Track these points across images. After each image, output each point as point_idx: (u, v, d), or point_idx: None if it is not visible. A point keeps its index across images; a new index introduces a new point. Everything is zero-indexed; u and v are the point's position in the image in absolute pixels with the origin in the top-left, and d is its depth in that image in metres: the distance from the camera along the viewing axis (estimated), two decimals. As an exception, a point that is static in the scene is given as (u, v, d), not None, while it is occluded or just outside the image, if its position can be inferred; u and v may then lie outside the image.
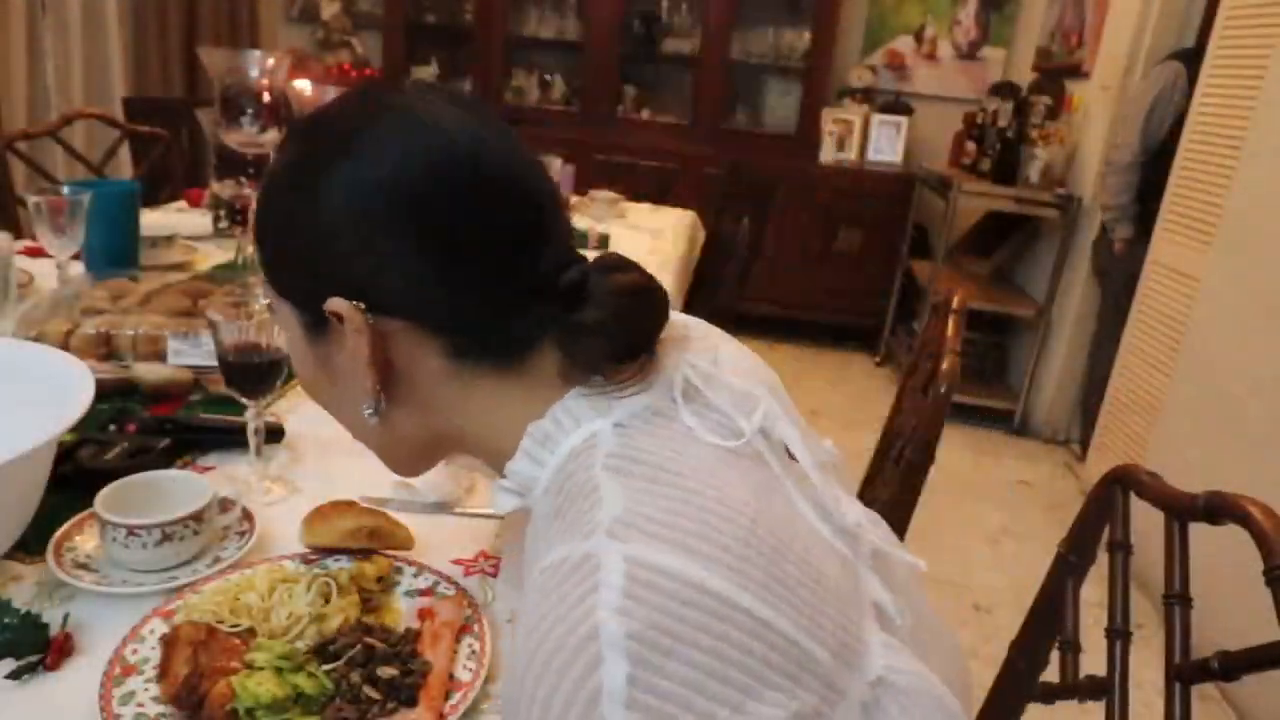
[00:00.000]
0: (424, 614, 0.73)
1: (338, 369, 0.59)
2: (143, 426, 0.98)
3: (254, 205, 0.60)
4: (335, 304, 0.55)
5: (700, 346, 0.62)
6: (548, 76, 4.39)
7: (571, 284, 0.55)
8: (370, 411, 0.58)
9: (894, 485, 1.06)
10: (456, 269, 0.54)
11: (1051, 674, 0.95)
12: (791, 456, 0.57)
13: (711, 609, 0.43)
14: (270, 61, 1.33)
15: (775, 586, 0.46)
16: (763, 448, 0.55)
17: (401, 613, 0.75)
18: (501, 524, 0.89)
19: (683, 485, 0.48)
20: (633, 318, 0.55)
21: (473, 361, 0.56)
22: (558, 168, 2.42)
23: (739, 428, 0.54)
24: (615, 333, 0.54)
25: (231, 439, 0.99)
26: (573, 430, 0.53)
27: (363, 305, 0.54)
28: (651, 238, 2.42)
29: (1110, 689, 0.86)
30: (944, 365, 1.07)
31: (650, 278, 0.57)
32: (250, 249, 1.56)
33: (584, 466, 0.51)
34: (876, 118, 4.12)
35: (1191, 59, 2.79)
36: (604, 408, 0.54)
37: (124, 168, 2.89)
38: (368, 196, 0.53)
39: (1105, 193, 3.02)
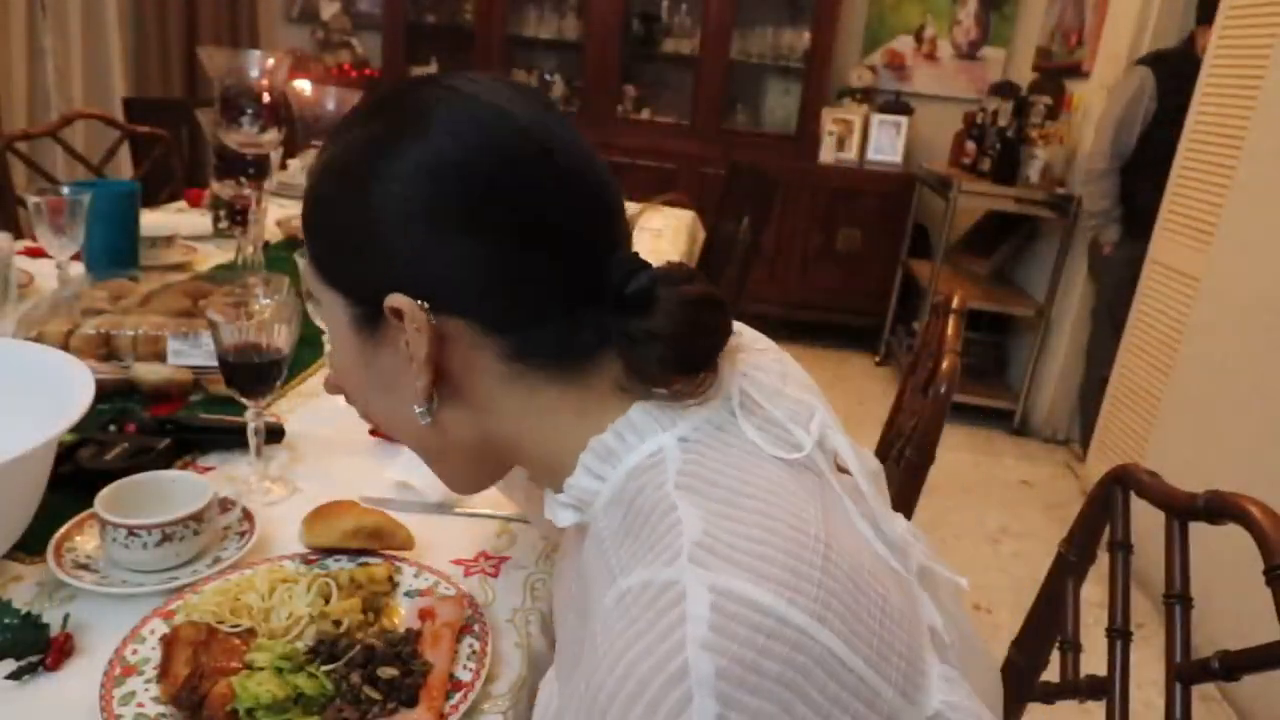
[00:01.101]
0: (424, 614, 0.72)
1: (386, 366, 0.56)
2: (143, 427, 0.98)
3: (307, 191, 0.58)
4: (396, 300, 0.52)
5: (752, 355, 0.60)
6: (548, 76, 4.39)
7: (640, 291, 0.52)
8: (422, 411, 0.56)
9: (894, 485, 1.06)
10: (525, 265, 0.52)
11: (1052, 674, 0.95)
12: (841, 469, 0.56)
13: (794, 644, 0.42)
14: (270, 61, 1.33)
15: (851, 620, 0.45)
16: (820, 460, 0.54)
17: (402, 613, 0.75)
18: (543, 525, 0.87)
19: (757, 509, 0.47)
20: (699, 330, 0.53)
21: (531, 366, 0.54)
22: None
23: (798, 440, 0.53)
24: (681, 344, 0.52)
25: (231, 439, 0.99)
26: (636, 445, 0.52)
27: (424, 303, 0.52)
28: (652, 237, 2.42)
29: (1110, 689, 0.86)
30: (944, 365, 1.07)
31: (715, 291, 0.54)
32: (250, 249, 1.56)
33: (654, 484, 0.49)
34: (876, 118, 4.12)
35: (1157, 63, 2.83)
36: (666, 421, 0.52)
37: (124, 168, 2.89)
38: (436, 182, 0.51)
39: (1087, 200, 3.04)
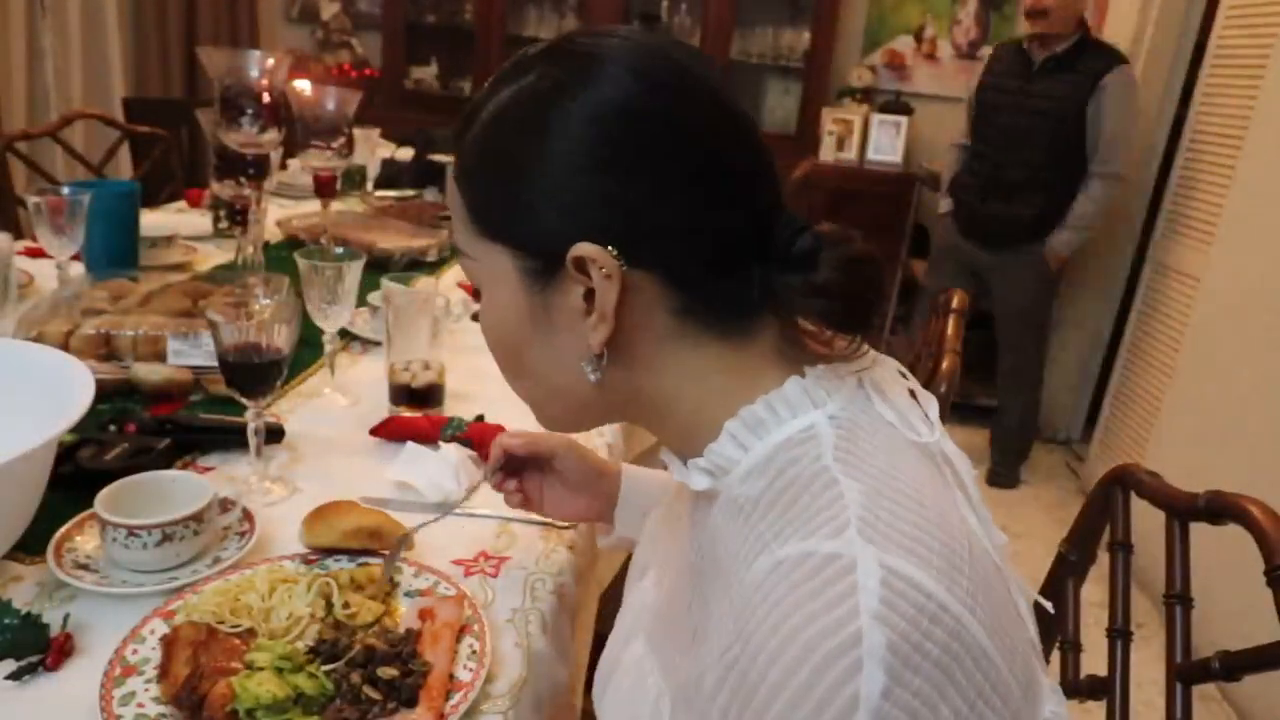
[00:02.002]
0: (424, 614, 0.72)
1: (559, 321, 0.54)
2: (143, 427, 0.98)
3: (467, 145, 0.56)
4: (584, 249, 0.50)
5: (881, 362, 0.60)
6: (548, 76, 4.39)
7: (807, 248, 0.52)
8: (592, 368, 0.54)
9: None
10: (708, 210, 0.51)
11: (1052, 674, 0.95)
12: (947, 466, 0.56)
13: (950, 632, 0.42)
14: (270, 61, 1.33)
15: (992, 615, 0.45)
16: (936, 451, 0.54)
17: (402, 613, 0.75)
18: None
19: (909, 494, 0.47)
20: (862, 287, 0.53)
21: (699, 323, 0.53)
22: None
23: (919, 427, 0.54)
24: (844, 300, 0.52)
25: (231, 439, 0.99)
26: (788, 420, 0.52)
27: (615, 250, 0.50)
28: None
29: (1110, 689, 0.86)
30: (944, 365, 1.07)
31: (875, 251, 0.54)
32: (250, 249, 1.56)
33: (809, 456, 0.49)
34: (876, 117, 4.11)
35: (999, 48, 2.95)
36: (819, 398, 0.52)
37: (124, 168, 2.89)
38: (617, 123, 0.50)
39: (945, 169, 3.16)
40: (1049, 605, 0.60)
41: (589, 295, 0.52)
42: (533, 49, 0.55)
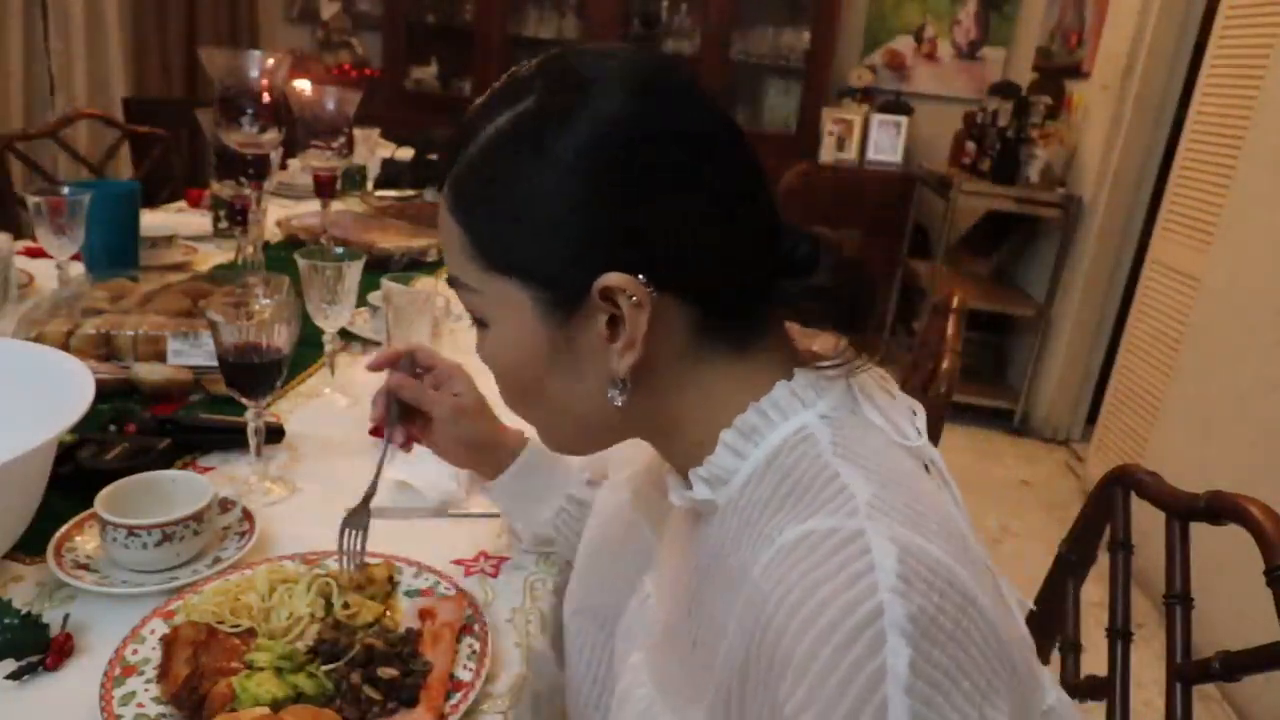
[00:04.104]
0: (424, 614, 0.72)
1: (582, 350, 0.53)
2: (143, 427, 0.98)
3: (455, 170, 0.53)
4: (612, 279, 0.49)
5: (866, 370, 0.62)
6: (548, 76, 4.39)
7: (806, 253, 0.54)
8: (619, 394, 0.53)
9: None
10: (723, 226, 0.51)
11: (1052, 674, 0.95)
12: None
13: (962, 604, 0.43)
14: (270, 61, 1.33)
15: (992, 595, 0.46)
16: (924, 456, 0.55)
17: (402, 613, 0.75)
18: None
19: (906, 485, 0.48)
20: (858, 286, 0.55)
21: (714, 337, 0.53)
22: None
23: (907, 431, 0.54)
24: (843, 299, 0.54)
25: (231, 439, 0.99)
26: (780, 423, 0.52)
27: (642, 277, 0.49)
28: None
29: (1110, 689, 0.86)
30: (944, 365, 1.07)
31: (861, 259, 0.56)
32: (250, 249, 1.56)
33: (808, 456, 0.50)
34: (876, 118, 4.11)
35: None
36: (809, 399, 0.53)
37: (124, 168, 2.89)
38: (623, 146, 0.49)
39: None
40: (1031, 605, 0.60)
41: (612, 322, 0.51)
42: (525, 68, 0.53)
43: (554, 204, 0.49)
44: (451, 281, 0.56)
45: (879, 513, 0.45)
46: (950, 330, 1.14)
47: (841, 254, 0.55)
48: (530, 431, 0.68)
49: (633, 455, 0.72)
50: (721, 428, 0.53)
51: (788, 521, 0.47)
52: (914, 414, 0.57)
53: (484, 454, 0.85)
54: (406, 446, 0.83)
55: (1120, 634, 0.87)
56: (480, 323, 0.57)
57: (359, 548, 0.77)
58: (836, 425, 0.51)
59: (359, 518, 0.78)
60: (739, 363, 0.54)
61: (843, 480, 0.47)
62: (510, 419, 0.70)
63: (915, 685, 0.40)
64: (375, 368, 0.84)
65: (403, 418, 0.81)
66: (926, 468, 0.55)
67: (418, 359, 0.84)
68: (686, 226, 0.50)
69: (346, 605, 0.72)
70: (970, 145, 3.73)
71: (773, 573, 0.45)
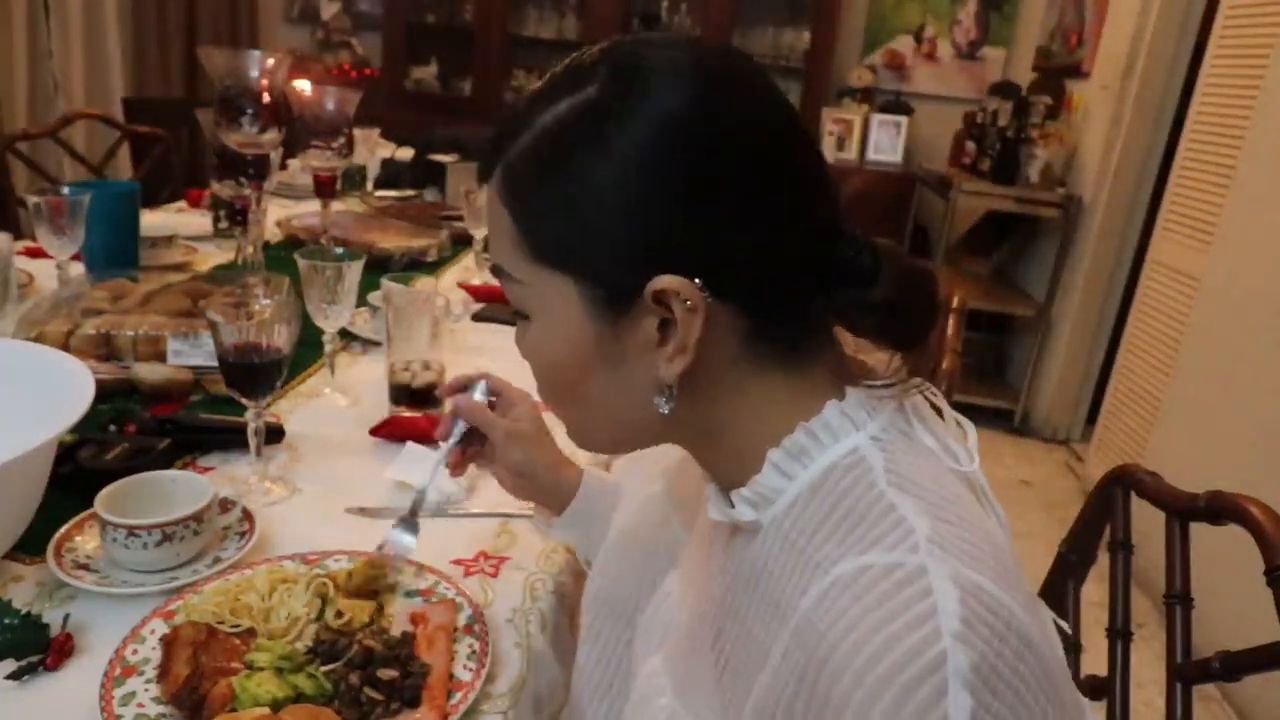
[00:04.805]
0: (416, 619, 0.72)
1: (627, 353, 0.51)
2: (143, 427, 0.98)
3: (505, 154, 0.52)
4: (667, 281, 0.47)
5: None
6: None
7: (867, 263, 0.51)
8: (665, 400, 0.51)
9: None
10: (783, 231, 0.49)
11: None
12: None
13: (1021, 642, 0.42)
14: (270, 61, 1.33)
15: (1048, 633, 0.45)
16: (976, 482, 0.53)
17: (394, 616, 0.74)
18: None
19: (962, 516, 0.46)
20: (919, 301, 0.52)
21: (767, 348, 0.51)
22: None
23: (959, 455, 0.53)
24: (902, 314, 0.51)
25: (231, 439, 0.99)
26: (830, 445, 0.50)
27: (699, 281, 0.48)
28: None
29: (1110, 689, 0.86)
30: (944, 365, 1.07)
31: (930, 267, 0.53)
32: (250, 249, 1.56)
33: (862, 483, 0.48)
34: (876, 117, 4.11)
35: None
36: (860, 420, 0.51)
37: (124, 168, 2.89)
38: (687, 143, 0.47)
39: None
40: (1067, 627, 0.60)
41: (663, 325, 0.49)
42: (588, 55, 0.51)
43: (611, 200, 0.48)
44: (495, 270, 0.55)
45: (939, 549, 0.43)
46: (950, 330, 1.14)
47: (904, 264, 0.52)
48: (584, 457, 0.66)
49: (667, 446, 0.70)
50: (767, 445, 0.51)
51: (843, 553, 0.45)
52: (965, 434, 0.55)
53: (541, 485, 0.84)
54: (456, 469, 0.83)
55: (1120, 634, 0.87)
56: (522, 315, 0.55)
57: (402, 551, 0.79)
58: (889, 449, 0.50)
59: (409, 526, 0.79)
60: (789, 375, 0.52)
61: (900, 513, 0.45)
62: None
63: None
64: (448, 392, 0.86)
65: (466, 441, 0.82)
66: (980, 495, 0.54)
67: (490, 384, 0.85)
68: (746, 231, 0.48)
69: (340, 614, 0.72)
70: (970, 145, 3.73)
71: (829, 607, 0.43)
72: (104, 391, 0.93)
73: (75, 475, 0.87)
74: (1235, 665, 0.76)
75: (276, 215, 1.94)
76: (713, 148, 0.47)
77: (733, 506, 0.54)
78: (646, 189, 0.47)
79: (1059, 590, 0.94)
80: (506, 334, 0.87)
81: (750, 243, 0.49)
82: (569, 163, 0.49)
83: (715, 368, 0.51)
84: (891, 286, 0.51)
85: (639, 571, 0.72)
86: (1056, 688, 0.43)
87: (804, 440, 0.51)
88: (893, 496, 0.46)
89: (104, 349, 1.16)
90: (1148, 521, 0.88)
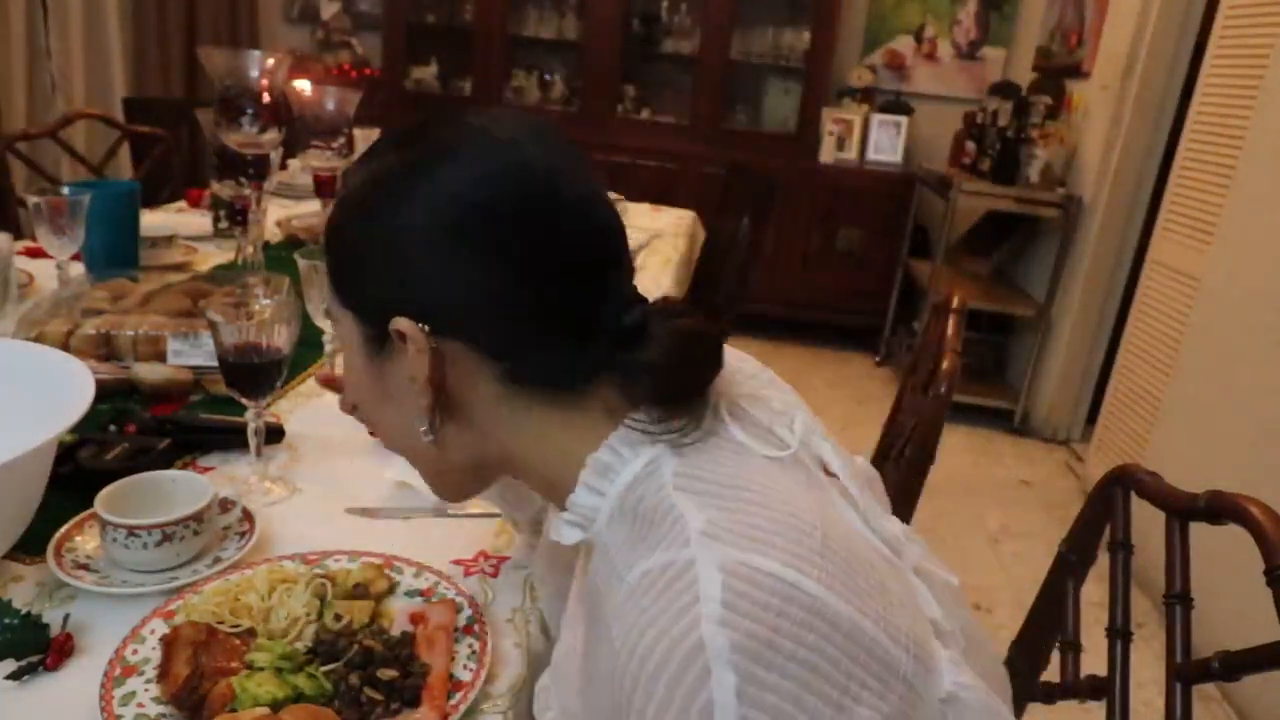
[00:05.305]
0: (415, 619, 0.72)
1: (393, 386, 0.59)
2: (143, 427, 0.98)
3: (330, 216, 0.61)
4: (400, 323, 0.55)
5: (732, 362, 0.62)
6: (548, 76, 4.39)
7: (633, 325, 0.55)
8: (425, 429, 0.58)
9: (894, 485, 1.06)
10: (525, 296, 0.54)
11: (1052, 674, 0.95)
12: (829, 473, 0.58)
13: (805, 611, 0.43)
14: (270, 62, 1.33)
15: (856, 590, 0.46)
16: (806, 459, 0.56)
17: (393, 619, 0.74)
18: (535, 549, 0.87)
19: (752, 499, 0.49)
20: (691, 362, 0.55)
21: (527, 389, 0.56)
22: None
23: (783, 439, 0.56)
24: (673, 376, 0.54)
25: (231, 439, 0.99)
26: (631, 459, 0.54)
27: (426, 327, 0.54)
28: (651, 238, 2.42)
29: (1110, 689, 0.86)
30: (944, 365, 1.07)
31: (712, 325, 0.56)
32: (250, 249, 1.56)
33: (653, 491, 0.51)
34: (876, 117, 4.12)
35: None
36: (656, 430, 0.54)
37: (124, 168, 2.89)
38: (447, 214, 0.53)
39: None
40: (954, 579, 0.61)
41: (412, 364, 0.56)
42: (407, 128, 0.59)
43: (373, 250, 0.56)
44: (326, 312, 0.61)
45: (709, 539, 0.45)
46: (950, 330, 1.14)
47: (680, 324, 0.54)
48: None
49: None
50: (577, 469, 0.55)
51: (634, 561, 0.48)
52: (794, 419, 0.58)
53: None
54: None
55: (1120, 634, 0.87)
56: None
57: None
58: (686, 453, 0.53)
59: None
60: (571, 412, 0.56)
61: (678, 511, 0.48)
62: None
63: (748, 714, 0.41)
64: None
65: None
66: (815, 468, 0.56)
67: None
68: (475, 288, 0.54)
69: (338, 617, 0.72)
70: (970, 145, 3.73)
71: (621, 616, 0.46)
72: (104, 391, 0.93)
73: (75, 475, 0.87)
74: (1235, 665, 0.75)
75: (276, 215, 1.94)
76: (460, 216, 0.53)
77: None
78: (395, 244, 0.55)
79: (1059, 590, 0.94)
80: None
81: (481, 297, 0.54)
82: (353, 217, 0.58)
83: (478, 403, 0.57)
84: (661, 346, 0.54)
85: (556, 590, 0.75)
86: (875, 645, 0.44)
87: (607, 458, 0.54)
88: (675, 498, 0.49)
89: (104, 349, 1.16)
90: (1148, 521, 0.88)
